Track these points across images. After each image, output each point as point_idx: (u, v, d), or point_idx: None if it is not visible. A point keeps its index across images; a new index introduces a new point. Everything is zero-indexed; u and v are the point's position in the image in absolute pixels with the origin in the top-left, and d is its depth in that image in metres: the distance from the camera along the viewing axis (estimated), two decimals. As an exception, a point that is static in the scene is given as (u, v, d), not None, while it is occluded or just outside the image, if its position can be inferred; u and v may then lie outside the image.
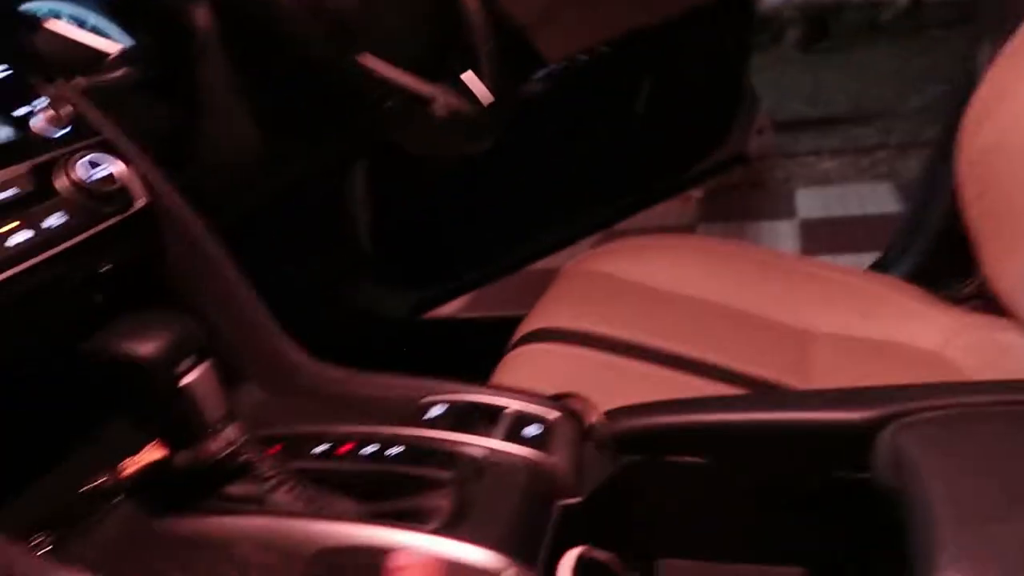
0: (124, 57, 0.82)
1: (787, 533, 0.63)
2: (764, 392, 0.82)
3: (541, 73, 1.59)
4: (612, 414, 0.60)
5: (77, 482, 0.59)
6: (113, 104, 0.69)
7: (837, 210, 2.39)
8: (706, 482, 0.58)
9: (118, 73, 0.79)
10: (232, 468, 0.54)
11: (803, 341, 0.94)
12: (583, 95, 1.63)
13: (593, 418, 0.61)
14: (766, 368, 0.86)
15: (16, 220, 0.54)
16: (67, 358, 0.60)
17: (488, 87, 0.93)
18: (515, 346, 0.96)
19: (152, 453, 0.61)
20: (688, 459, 0.57)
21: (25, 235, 0.54)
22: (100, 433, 0.63)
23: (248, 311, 0.66)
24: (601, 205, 1.73)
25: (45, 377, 0.61)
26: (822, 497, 0.60)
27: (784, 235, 2.29)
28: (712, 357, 0.86)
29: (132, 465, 0.60)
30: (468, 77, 0.92)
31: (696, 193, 2.42)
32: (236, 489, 0.54)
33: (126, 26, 0.95)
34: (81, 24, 0.94)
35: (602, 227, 1.78)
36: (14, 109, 0.59)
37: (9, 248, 0.53)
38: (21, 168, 0.57)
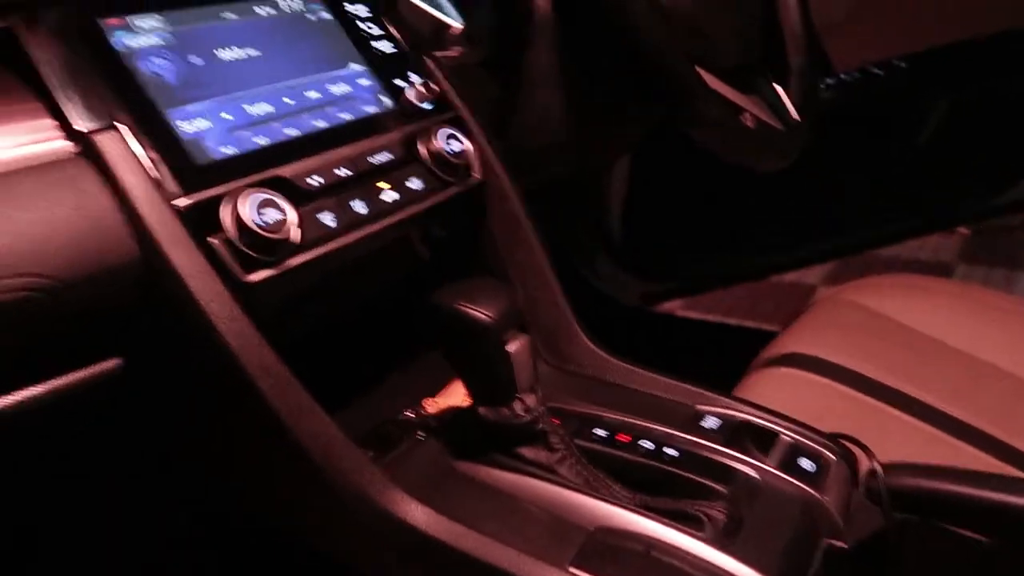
0: (466, 33, 0.91)
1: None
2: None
3: (828, 81, 1.53)
4: (891, 468, 0.60)
5: (385, 409, 0.68)
6: (457, 79, 0.77)
7: None
8: (986, 562, 0.56)
9: (460, 50, 0.87)
10: (528, 432, 0.59)
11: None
12: (869, 109, 1.55)
13: (868, 466, 0.61)
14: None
15: (387, 181, 0.63)
16: (394, 304, 0.70)
17: (796, 105, 0.92)
18: (766, 365, 0.96)
19: (452, 398, 0.69)
20: (970, 534, 0.56)
21: (393, 195, 0.63)
22: (407, 371, 0.72)
23: (550, 288, 0.72)
24: (862, 226, 1.65)
25: (373, 317, 0.71)
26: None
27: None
28: (988, 427, 0.81)
29: (434, 405, 0.69)
30: (779, 92, 0.92)
31: (964, 229, 2.22)
32: (528, 452, 0.59)
33: (460, 3, 1.03)
34: (422, -6, 1.04)
35: (857, 250, 1.70)
36: (395, 81, 0.68)
37: (383, 204, 0.62)
38: (395, 135, 0.65)
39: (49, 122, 0.49)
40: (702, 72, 0.80)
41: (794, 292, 1.89)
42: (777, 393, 0.89)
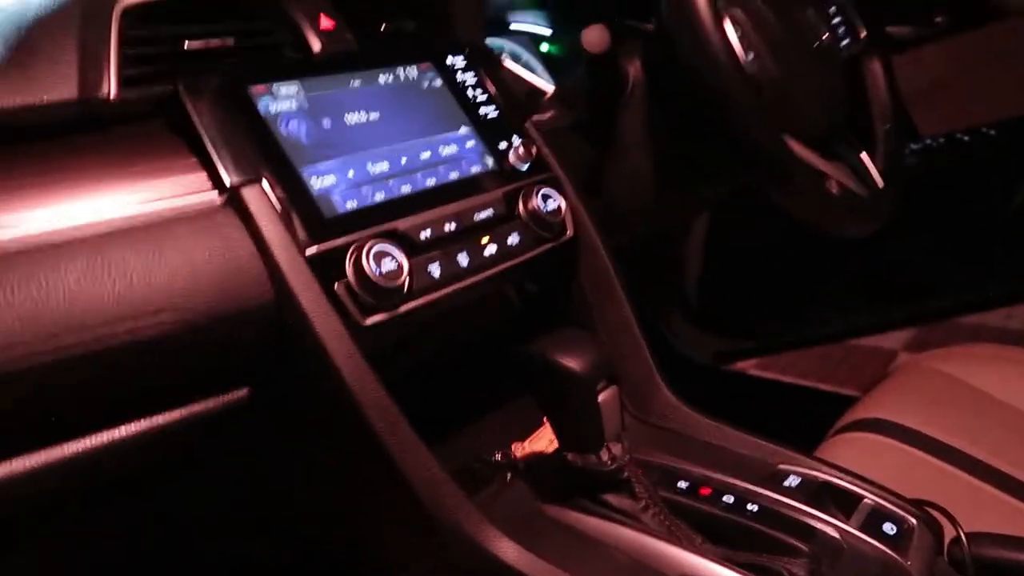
0: (558, 97, 0.96)
1: None
2: None
3: (914, 146, 1.53)
4: (975, 537, 0.60)
5: (475, 451, 0.72)
6: (552, 141, 0.81)
7: None
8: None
9: (554, 112, 0.92)
10: (614, 480, 0.62)
11: None
12: (956, 175, 1.54)
13: (952, 534, 0.61)
14: None
15: (488, 235, 0.68)
16: (487, 351, 0.74)
17: (881, 171, 0.93)
18: (846, 430, 0.96)
19: (540, 443, 0.72)
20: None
21: (493, 248, 0.67)
22: (497, 415, 0.76)
23: (636, 342, 0.75)
24: (945, 292, 1.62)
25: (469, 362, 0.76)
26: None
27: None
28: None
29: (522, 449, 0.72)
30: (864, 159, 0.94)
31: (1053, 298, 2.15)
32: (613, 499, 0.62)
33: (550, 65, 1.09)
34: (517, 59, 1.10)
35: (939, 317, 1.67)
36: (498, 143, 0.73)
37: (484, 257, 0.66)
38: (498, 194, 0.70)
39: (203, 176, 0.55)
40: (788, 139, 0.83)
41: (872, 357, 1.85)
42: (858, 458, 0.89)
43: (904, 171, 0.97)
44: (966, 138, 1.54)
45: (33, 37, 0.54)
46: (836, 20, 0.97)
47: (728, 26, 0.80)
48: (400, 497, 0.56)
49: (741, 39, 0.84)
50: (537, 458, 0.69)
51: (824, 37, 0.93)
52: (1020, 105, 1.50)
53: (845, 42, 0.97)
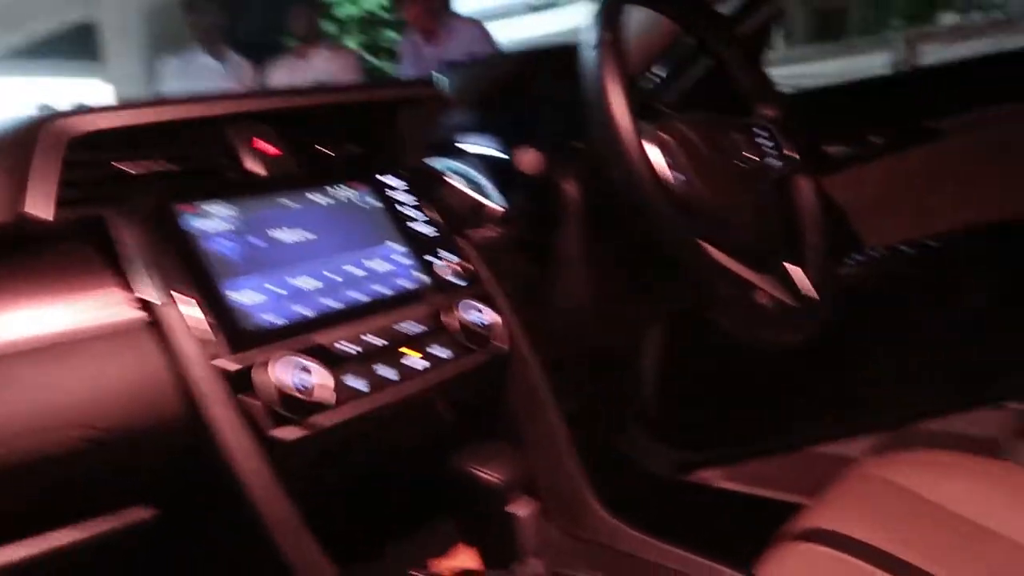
0: (503, 217, 1.00)
1: None
2: None
3: (858, 257, 1.58)
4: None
5: (393, 566, 0.70)
6: (490, 257, 0.84)
7: None
8: None
9: (497, 231, 0.95)
10: (534, 598, 0.61)
11: None
12: (903, 285, 1.58)
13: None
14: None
15: (416, 349, 0.69)
16: (411, 465, 0.74)
17: (813, 283, 0.97)
18: (789, 540, 0.95)
19: (461, 560, 0.71)
20: None
21: (422, 362, 0.69)
22: (420, 531, 0.75)
23: (564, 457, 0.75)
24: (900, 401, 1.63)
25: (394, 477, 0.75)
26: None
27: None
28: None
29: (441, 566, 0.71)
30: (793, 270, 0.97)
31: (1017, 404, 2.17)
32: (533, 617, 0.61)
33: (502, 188, 1.13)
34: (468, 180, 1.15)
35: (896, 425, 1.68)
36: (430, 259, 0.76)
37: (411, 370, 0.67)
38: (425, 308, 0.72)
39: (123, 295, 0.57)
40: (716, 252, 0.87)
41: (839, 465, 1.84)
42: (797, 569, 0.87)
43: (835, 282, 1.01)
44: (911, 250, 1.59)
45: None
46: (764, 142, 1.03)
47: (650, 147, 0.85)
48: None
49: (669, 160, 0.89)
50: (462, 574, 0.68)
51: (752, 158, 0.98)
52: (962, 217, 1.56)
53: (774, 162, 1.02)
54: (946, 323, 1.65)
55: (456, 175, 1.11)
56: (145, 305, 0.56)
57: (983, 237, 1.55)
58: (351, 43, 7.09)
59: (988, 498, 1.02)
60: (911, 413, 1.70)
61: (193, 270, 0.59)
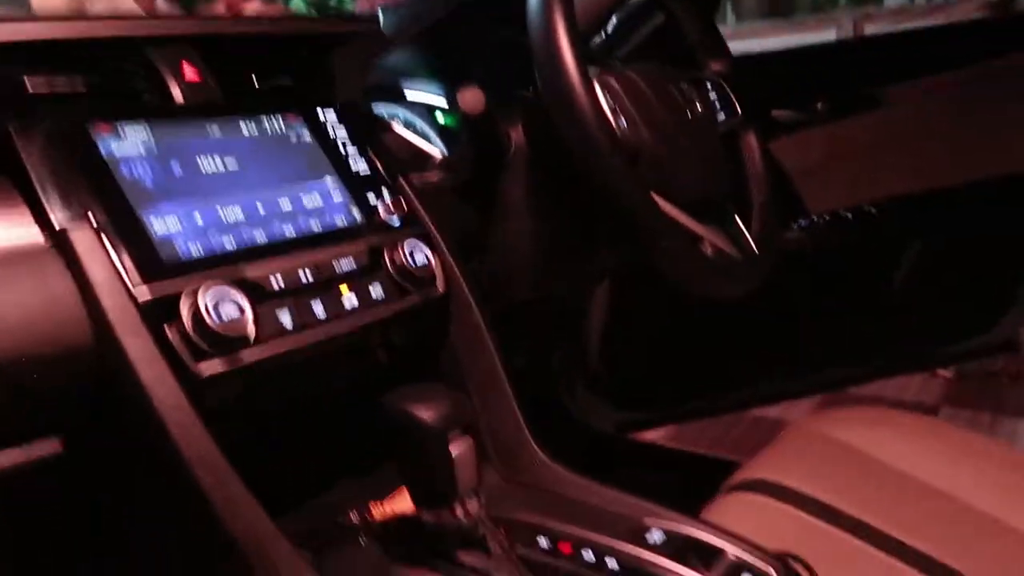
0: (445, 163, 0.97)
1: None
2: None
3: (801, 223, 1.60)
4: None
5: (332, 512, 0.68)
6: (431, 201, 0.81)
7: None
8: None
9: (439, 176, 0.93)
10: (468, 537, 0.60)
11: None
12: (841, 251, 1.61)
13: (811, 588, 0.61)
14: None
15: (349, 287, 0.66)
16: (348, 406, 0.71)
17: (755, 237, 0.97)
18: (731, 491, 0.96)
19: (398, 504, 0.69)
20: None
21: (353, 299, 0.66)
22: (356, 473, 0.72)
23: (504, 400, 0.73)
24: (838, 365, 1.67)
25: (329, 418, 0.73)
26: None
27: (1046, 440, 2.04)
28: (952, 562, 0.80)
29: (379, 510, 0.69)
30: (737, 224, 0.97)
31: (946, 372, 2.24)
32: (467, 557, 0.59)
33: (444, 134, 1.11)
34: (411, 127, 1.12)
35: (834, 388, 1.72)
36: (367, 197, 0.73)
37: (342, 308, 0.65)
38: (362, 245, 0.69)
39: (29, 218, 0.53)
40: (662, 202, 0.85)
41: (778, 427, 1.89)
42: (738, 517, 0.88)
43: (777, 240, 1.01)
44: (849, 215, 1.62)
45: None
46: (712, 96, 1.02)
47: (599, 92, 0.83)
48: (232, 561, 0.52)
49: (615, 107, 0.87)
50: (395, 518, 0.66)
51: (700, 110, 0.97)
52: (898, 185, 1.59)
53: (721, 117, 1.02)
54: (882, 291, 1.68)
55: (397, 120, 1.09)
56: (54, 228, 0.53)
57: (921, 204, 1.58)
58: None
59: (919, 451, 1.04)
60: (849, 377, 1.74)
61: (107, 193, 0.55)
